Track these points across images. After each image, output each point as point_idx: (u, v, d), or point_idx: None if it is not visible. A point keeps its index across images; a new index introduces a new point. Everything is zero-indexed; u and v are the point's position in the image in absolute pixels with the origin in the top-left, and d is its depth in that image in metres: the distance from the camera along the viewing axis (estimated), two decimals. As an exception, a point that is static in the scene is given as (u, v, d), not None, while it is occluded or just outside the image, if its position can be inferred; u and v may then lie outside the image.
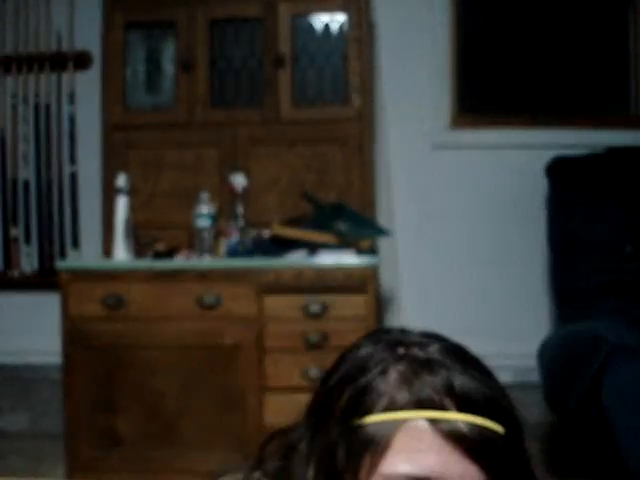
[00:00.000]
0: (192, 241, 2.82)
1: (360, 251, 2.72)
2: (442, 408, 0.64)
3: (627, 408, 2.24)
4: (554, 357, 2.59)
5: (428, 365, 0.66)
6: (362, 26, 3.04)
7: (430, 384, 0.65)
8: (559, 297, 3.00)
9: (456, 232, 3.29)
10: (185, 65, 3.06)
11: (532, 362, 2.68)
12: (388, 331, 0.74)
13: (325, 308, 2.60)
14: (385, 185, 3.25)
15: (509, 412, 0.67)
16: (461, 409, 0.64)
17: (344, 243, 2.73)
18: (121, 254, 2.73)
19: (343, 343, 2.76)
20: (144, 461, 2.65)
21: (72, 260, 3.28)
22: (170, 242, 2.89)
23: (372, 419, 0.64)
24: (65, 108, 3.42)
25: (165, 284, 2.65)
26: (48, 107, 3.42)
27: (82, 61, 3.41)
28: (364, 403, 0.65)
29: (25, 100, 3.42)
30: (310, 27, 3.10)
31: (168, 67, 3.16)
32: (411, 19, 3.32)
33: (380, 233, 2.91)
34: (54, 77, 3.43)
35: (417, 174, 3.30)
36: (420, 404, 0.64)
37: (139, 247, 2.88)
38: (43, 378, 3.35)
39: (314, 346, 2.59)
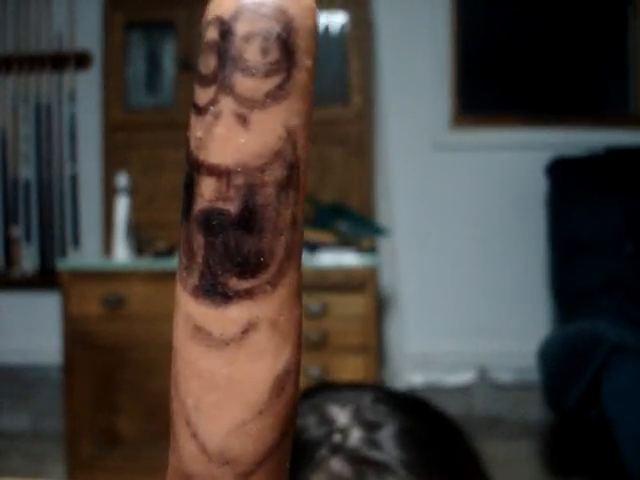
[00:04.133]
0: (192, 241, 2.81)
1: (360, 251, 2.73)
2: None
3: (627, 408, 2.25)
4: (554, 357, 2.59)
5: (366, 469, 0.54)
6: (362, 26, 3.04)
7: None
8: (559, 297, 3.00)
9: (456, 232, 3.30)
10: (185, 65, 3.06)
11: (532, 362, 2.68)
12: (317, 390, 0.62)
13: (325, 308, 2.60)
14: (385, 185, 3.26)
15: None
16: None
17: (344, 243, 2.74)
18: (121, 254, 2.73)
19: (343, 343, 2.74)
20: (144, 461, 2.66)
21: (72, 260, 3.29)
22: (170, 242, 2.89)
23: None
24: (66, 108, 3.42)
25: (165, 284, 2.65)
26: (49, 107, 3.42)
27: (82, 61, 3.42)
28: None
29: (26, 100, 3.43)
30: (310, 27, 3.10)
31: (168, 67, 3.16)
32: (411, 19, 3.33)
33: (380, 233, 2.91)
34: (55, 77, 3.43)
35: (417, 174, 3.30)
36: None
37: (139, 247, 2.88)
38: (43, 378, 3.36)
39: (314, 346, 2.60)
